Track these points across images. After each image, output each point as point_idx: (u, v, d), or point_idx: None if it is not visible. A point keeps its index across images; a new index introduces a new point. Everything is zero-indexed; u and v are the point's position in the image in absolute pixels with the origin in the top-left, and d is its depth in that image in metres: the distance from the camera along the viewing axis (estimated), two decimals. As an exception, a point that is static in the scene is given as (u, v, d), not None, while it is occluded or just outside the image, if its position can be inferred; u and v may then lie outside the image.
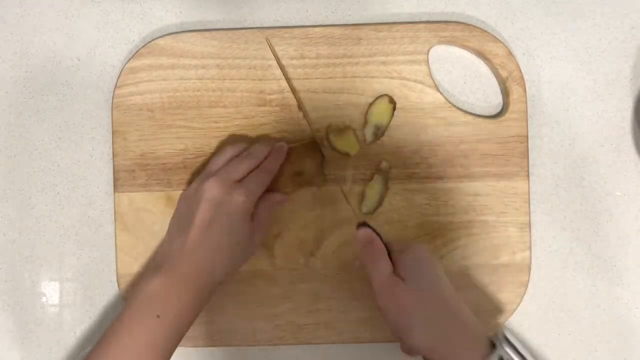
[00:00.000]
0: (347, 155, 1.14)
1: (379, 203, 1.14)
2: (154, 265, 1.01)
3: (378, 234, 1.06)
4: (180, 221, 1.03)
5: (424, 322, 0.96)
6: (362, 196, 1.14)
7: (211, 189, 1.00)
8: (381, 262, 1.01)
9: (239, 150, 1.08)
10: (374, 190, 1.13)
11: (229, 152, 1.08)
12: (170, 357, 0.97)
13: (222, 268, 1.01)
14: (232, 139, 1.14)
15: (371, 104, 1.13)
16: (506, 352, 0.93)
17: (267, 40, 1.13)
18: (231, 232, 1.00)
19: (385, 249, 1.03)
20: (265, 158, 1.08)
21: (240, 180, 1.03)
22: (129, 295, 1.02)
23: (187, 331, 0.98)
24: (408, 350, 1.02)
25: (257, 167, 1.06)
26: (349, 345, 1.16)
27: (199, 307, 0.99)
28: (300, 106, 1.13)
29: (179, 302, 0.96)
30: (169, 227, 1.07)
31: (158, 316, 0.94)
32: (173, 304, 0.96)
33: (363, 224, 1.07)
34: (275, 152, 1.09)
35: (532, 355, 0.95)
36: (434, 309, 0.97)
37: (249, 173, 1.04)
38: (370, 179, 1.14)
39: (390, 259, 1.03)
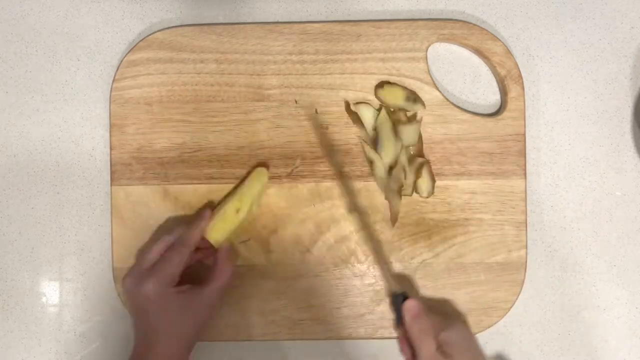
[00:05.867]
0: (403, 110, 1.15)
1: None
2: None
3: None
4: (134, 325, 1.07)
5: None
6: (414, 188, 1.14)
7: (125, 287, 1.04)
8: (429, 339, 1.01)
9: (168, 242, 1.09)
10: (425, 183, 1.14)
11: (158, 244, 1.09)
12: None
13: (168, 345, 1.03)
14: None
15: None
16: None
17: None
18: (154, 316, 1.03)
19: (433, 325, 1.03)
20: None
21: (152, 267, 1.05)
22: None
23: None
24: None
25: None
26: (344, 342, 1.16)
27: None
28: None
29: None
30: None
31: None
32: None
33: (404, 295, 1.07)
34: (198, 218, 1.10)
35: None
36: None
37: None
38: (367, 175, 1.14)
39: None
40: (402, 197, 1.14)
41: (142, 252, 1.09)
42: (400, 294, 1.08)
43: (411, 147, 1.13)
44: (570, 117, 1.17)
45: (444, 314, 1.11)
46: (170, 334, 1.03)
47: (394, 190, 1.13)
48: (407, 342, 1.04)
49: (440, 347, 1.01)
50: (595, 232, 1.17)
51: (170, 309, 1.02)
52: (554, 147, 1.17)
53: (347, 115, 1.14)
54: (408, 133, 1.13)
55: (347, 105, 1.14)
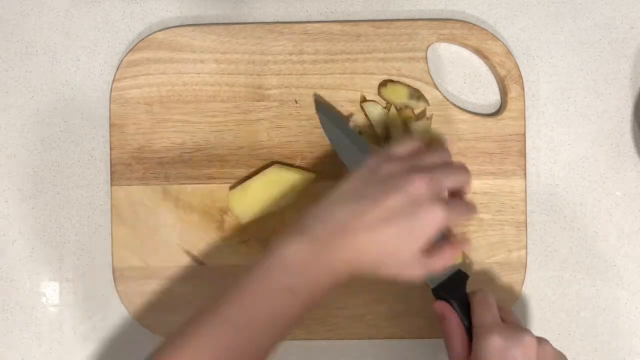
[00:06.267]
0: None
1: None
2: (299, 229, 0.92)
3: (465, 290, 1.04)
4: (356, 193, 0.93)
5: None
6: None
7: (417, 186, 0.90)
8: (454, 342, 0.98)
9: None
10: None
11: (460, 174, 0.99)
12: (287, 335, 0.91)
13: (371, 265, 0.92)
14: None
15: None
16: None
17: None
18: (404, 238, 0.90)
19: (460, 327, 0.99)
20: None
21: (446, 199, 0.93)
22: (260, 257, 0.92)
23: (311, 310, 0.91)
24: None
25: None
26: (345, 341, 1.15)
27: (331, 293, 0.92)
28: None
29: (317, 279, 0.90)
30: (332, 195, 0.95)
31: (291, 290, 0.88)
32: (310, 281, 0.89)
33: (441, 297, 1.04)
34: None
35: None
36: None
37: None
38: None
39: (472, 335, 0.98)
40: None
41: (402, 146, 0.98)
42: (440, 296, 1.04)
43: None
44: (570, 117, 1.17)
45: None
46: (382, 256, 0.90)
47: None
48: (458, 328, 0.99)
49: (472, 354, 0.95)
50: (595, 232, 1.17)
51: (416, 243, 0.90)
52: (554, 147, 1.17)
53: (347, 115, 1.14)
54: (419, 130, 1.13)
55: (363, 99, 1.15)
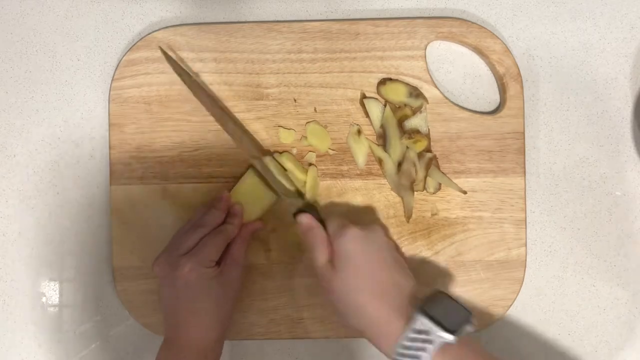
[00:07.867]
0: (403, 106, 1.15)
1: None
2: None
3: (319, 216, 1.09)
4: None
5: (352, 309, 1.00)
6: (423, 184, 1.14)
7: (158, 268, 1.05)
8: (319, 250, 1.04)
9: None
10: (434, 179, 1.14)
11: (187, 227, 1.10)
12: None
13: (207, 327, 1.05)
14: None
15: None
16: (422, 322, 0.94)
17: (161, 49, 1.13)
18: (193, 299, 1.03)
19: (324, 236, 1.05)
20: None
21: (188, 252, 1.05)
22: None
23: None
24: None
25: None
26: (344, 340, 1.16)
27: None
28: (233, 135, 1.13)
29: None
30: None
31: None
32: None
33: (302, 210, 1.09)
34: (231, 215, 1.11)
35: (453, 323, 0.94)
36: (360, 297, 1.00)
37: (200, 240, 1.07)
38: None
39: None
40: (415, 192, 1.14)
41: (175, 239, 1.07)
42: (301, 209, 1.09)
43: (417, 141, 1.13)
44: (570, 117, 1.17)
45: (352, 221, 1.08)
46: (206, 317, 1.04)
47: (406, 186, 1.13)
48: None
49: (332, 257, 1.03)
50: (595, 232, 1.17)
51: (209, 292, 1.04)
52: (554, 147, 1.17)
53: (345, 114, 1.14)
54: (416, 124, 1.13)
55: (363, 96, 1.15)
